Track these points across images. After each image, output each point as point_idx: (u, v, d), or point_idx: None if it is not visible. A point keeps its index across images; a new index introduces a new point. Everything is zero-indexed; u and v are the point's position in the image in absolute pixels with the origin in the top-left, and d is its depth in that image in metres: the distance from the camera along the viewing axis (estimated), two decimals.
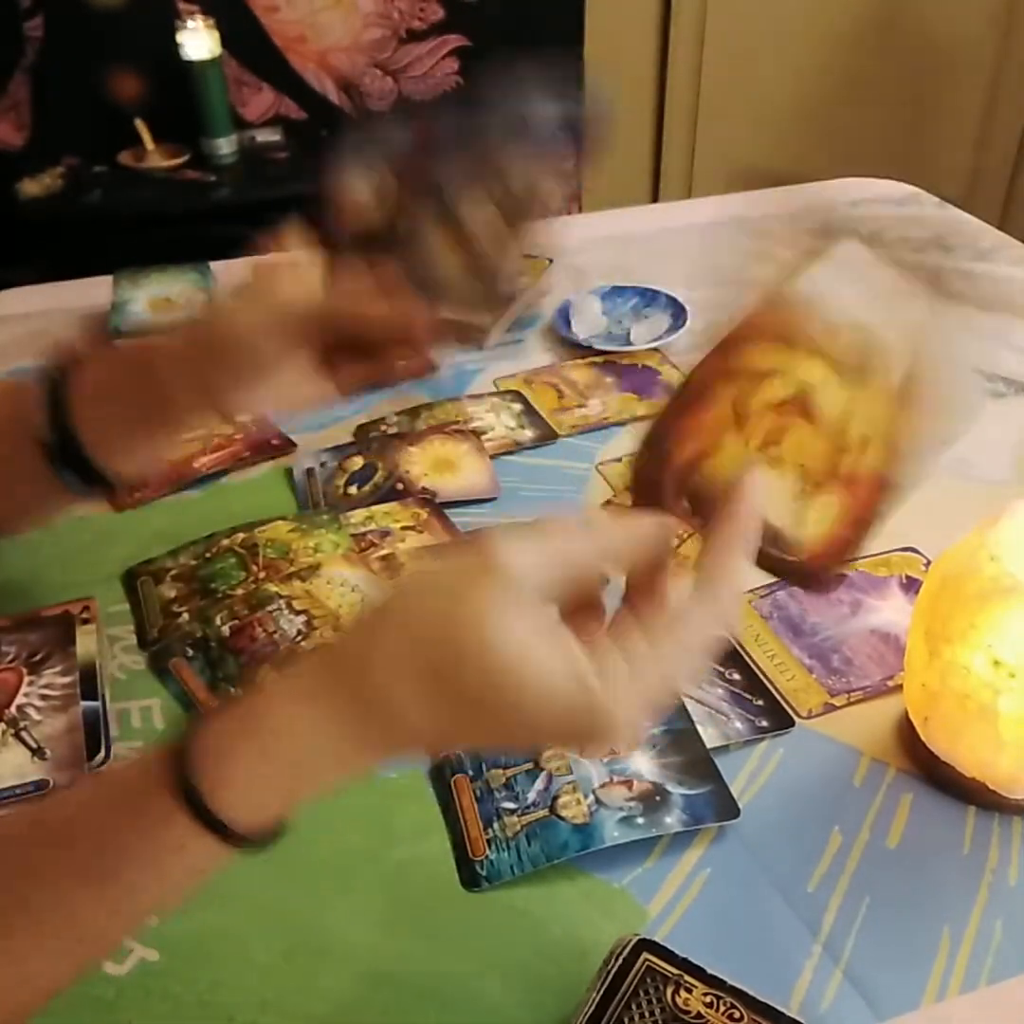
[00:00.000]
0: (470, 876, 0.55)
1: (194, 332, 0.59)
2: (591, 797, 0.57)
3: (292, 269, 0.59)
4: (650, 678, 0.38)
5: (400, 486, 0.82)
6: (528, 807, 0.57)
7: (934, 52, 2.40)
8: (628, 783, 0.58)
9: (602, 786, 0.58)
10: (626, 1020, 0.46)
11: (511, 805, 0.58)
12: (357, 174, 0.58)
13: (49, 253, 1.69)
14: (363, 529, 0.77)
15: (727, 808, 0.57)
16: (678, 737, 0.61)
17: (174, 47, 1.90)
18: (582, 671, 0.37)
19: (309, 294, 0.58)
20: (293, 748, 0.40)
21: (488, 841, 0.56)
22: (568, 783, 0.58)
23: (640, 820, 0.56)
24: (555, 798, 0.58)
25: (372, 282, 0.59)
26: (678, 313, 1.01)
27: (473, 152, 0.56)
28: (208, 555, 0.74)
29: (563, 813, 0.57)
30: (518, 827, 0.57)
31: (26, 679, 0.61)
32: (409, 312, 0.59)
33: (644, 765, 0.59)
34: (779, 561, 0.44)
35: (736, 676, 0.66)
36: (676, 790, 0.58)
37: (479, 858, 0.56)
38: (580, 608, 0.42)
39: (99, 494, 0.62)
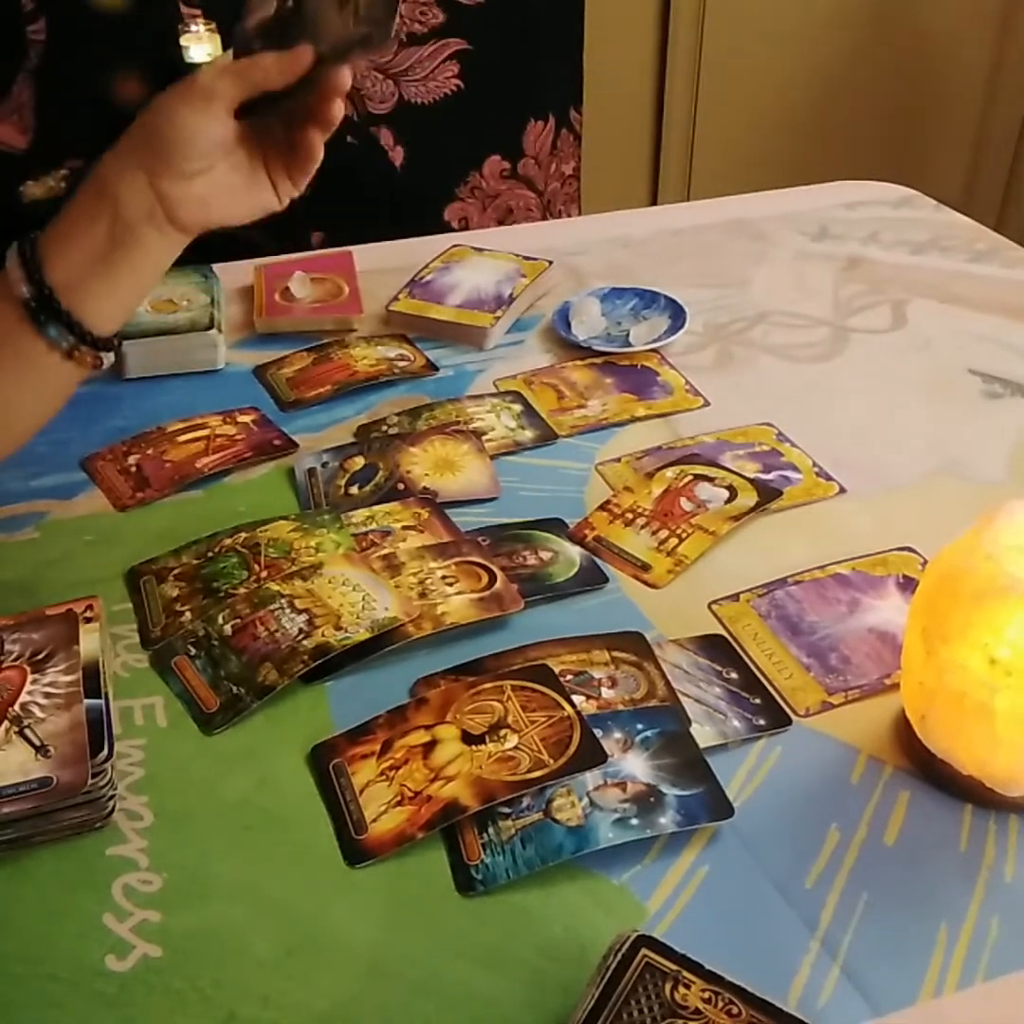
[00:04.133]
0: (465, 880, 0.55)
1: (131, 130, 0.63)
2: (585, 799, 0.58)
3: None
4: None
5: (401, 486, 0.82)
6: (523, 810, 0.58)
7: (931, 54, 2.40)
8: (622, 785, 0.58)
9: (596, 789, 0.58)
10: (625, 1016, 0.46)
11: (506, 809, 0.58)
12: None
13: None
14: (364, 529, 0.77)
15: (721, 808, 0.58)
16: (671, 739, 0.61)
17: (177, 50, 1.90)
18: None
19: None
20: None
21: (483, 845, 0.56)
22: (562, 786, 0.58)
23: (634, 821, 0.57)
24: (549, 801, 0.58)
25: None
26: (677, 315, 1.01)
27: None
28: (210, 554, 0.75)
29: (558, 816, 0.57)
30: (513, 831, 0.57)
31: (30, 677, 0.61)
32: (299, 53, 0.62)
33: (638, 767, 0.59)
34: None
35: (734, 675, 0.66)
36: (670, 791, 0.58)
37: (474, 862, 0.56)
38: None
39: (87, 355, 0.64)
